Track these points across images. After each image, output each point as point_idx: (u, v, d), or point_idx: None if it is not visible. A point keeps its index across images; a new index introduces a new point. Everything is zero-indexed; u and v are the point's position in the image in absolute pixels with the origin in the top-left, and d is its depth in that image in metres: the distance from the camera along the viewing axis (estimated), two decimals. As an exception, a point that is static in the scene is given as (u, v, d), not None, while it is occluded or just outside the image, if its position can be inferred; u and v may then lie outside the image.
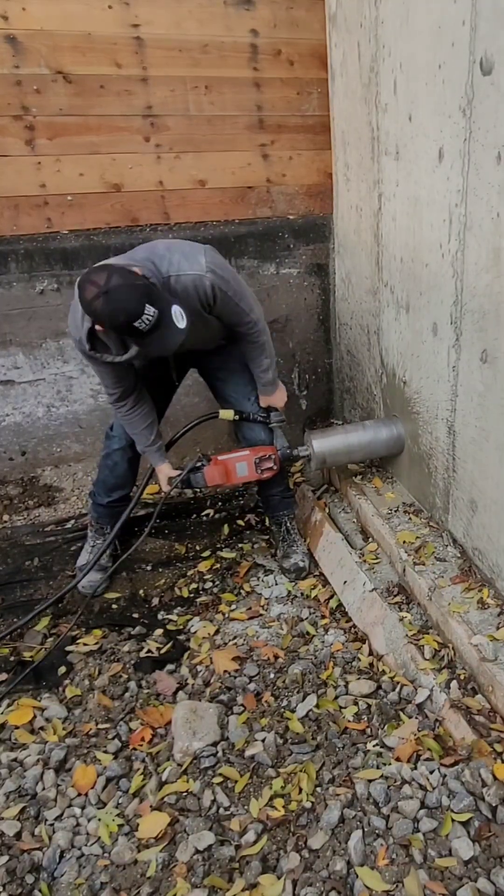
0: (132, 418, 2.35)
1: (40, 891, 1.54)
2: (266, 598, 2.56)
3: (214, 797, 1.74)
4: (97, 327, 1.93)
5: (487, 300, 1.90)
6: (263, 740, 1.88)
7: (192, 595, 2.62)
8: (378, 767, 1.77)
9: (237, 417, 2.54)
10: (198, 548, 2.89)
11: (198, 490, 2.47)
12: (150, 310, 1.81)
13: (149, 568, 2.78)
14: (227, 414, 2.53)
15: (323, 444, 2.64)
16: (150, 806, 1.73)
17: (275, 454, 2.51)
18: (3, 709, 2.06)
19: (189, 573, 2.73)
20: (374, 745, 1.85)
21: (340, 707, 2.00)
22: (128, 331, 1.85)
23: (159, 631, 2.40)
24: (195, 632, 2.39)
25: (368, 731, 1.91)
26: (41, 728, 2.00)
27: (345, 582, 2.49)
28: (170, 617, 2.50)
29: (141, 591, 2.65)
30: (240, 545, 2.90)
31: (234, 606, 2.53)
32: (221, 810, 1.71)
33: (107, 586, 2.64)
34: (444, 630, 2.10)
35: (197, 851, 1.60)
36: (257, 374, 2.50)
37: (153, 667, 2.22)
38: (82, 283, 1.86)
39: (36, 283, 2.79)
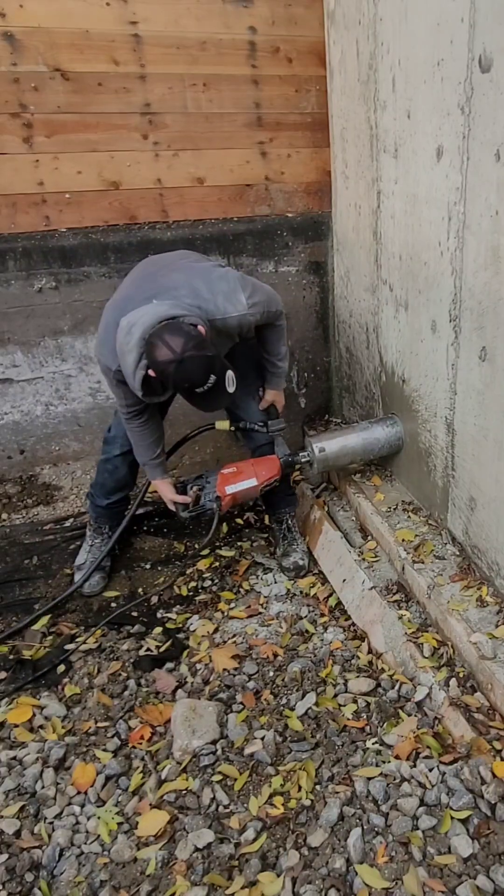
0: (143, 431, 2.35)
1: (40, 889, 1.55)
2: (265, 597, 2.56)
3: (214, 795, 1.74)
4: (151, 373, 2.02)
5: (486, 298, 1.90)
6: (263, 738, 1.88)
7: (191, 593, 2.62)
8: (377, 765, 1.77)
9: (233, 428, 2.54)
10: (197, 546, 2.89)
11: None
12: (211, 379, 1.97)
13: (148, 566, 2.78)
14: (223, 425, 2.54)
15: (324, 448, 2.63)
16: (150, 804, 1.73)
17: (279, 476, 2.52)
18: (2, 707, 2.06)
19: (188, 571, 2.73)
20: (373, 743, 1.85)
21: (340, 705, 2.00)
22: (186, 392, 2.00)
23: (158, 629, 2.40)
24: (194, 630, 2.39)
25: (368, 728, 1.91)
26: (40, 726, 2.00)
27: (344, 580, 2.49)
28: (169, 615, 2.50)
29: (140, 590, 2.65)
30: (239, 543, 2.90)
31: (233, 605, 2.53)
32: (221, 808, 1.71)
33: (105, 585, 2.64)
34: (444, 628, 2.10)
35: (196, 849, 1.60)
36: (273, 363, 2.50)
37: (152, 665, 2.22)
38: (155, 341, 1.94)
39: (34, 282, 2.78)
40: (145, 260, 2.38)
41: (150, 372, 2.01)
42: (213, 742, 1.89)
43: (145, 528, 2.98)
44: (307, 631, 2.35)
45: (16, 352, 2.85)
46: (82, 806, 1.75)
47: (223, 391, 2.02)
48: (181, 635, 2.38)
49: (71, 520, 3.02)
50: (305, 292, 3.25)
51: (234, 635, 2.35)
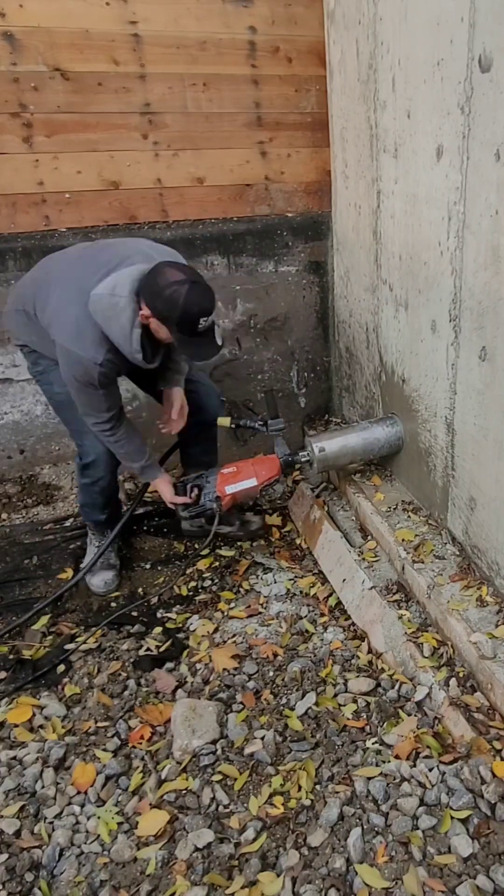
0: (128, 436, 2.32)
1: (40, 889, 1.55)
2: (265, 596, 2.56)
3: (214, 795, 1.74)
4: (150, 318, 1.97)
5: (486, 298, 1.90)
6: (263, 738, 1.88)
7: (191, 593, 2.62)
8: (377, 765, 1.77)
9: (234, 426, 2.53)
10: (196, 546, 2.89)
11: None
12: (213, 314, 1.98)
13: (148, 566, 2.78)
14: (224, 421, 2.54)
15: (324, 448, 2.63)
16: (150, 804, 1.73)
17: (279, 476, 2.53)
18: (2, 707, 2.06)
19: (188, 571, 2.73)
20: (373, 743, 1.85)
21: (339, 705, 2.00)
22: (189, 325, 1.95)
23: (158, 629, 2.40)
24: (194, 630, 2.39)
25: (367, 728, 1.91)
26: (40, 726, 1.99)
27: (344, 580, 2.49)
28: (169, 615, 2.50)
29: (140, 590, 2.65)
30: (239, 543, 2.89)
31: (233, 604, 2.53)
32: (221, 808, 1.71)
33: (118, 583, 2.64)
34: (443, 628, 2.10)
35: (196, 849, 1.60)
36: (176, 359, 2.43)
37: (152, 665, 2.22)
38: (164, 267, 1.94)
39: (34, 281, 2.78)
40: (47, 261, 2.28)
41: (149, 314, 1.95)
42: (213, 742, 1.89)
43: (145, 528, 2.98)
44: (307, 631, 2.35)
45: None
46: (82, 806, 1.75)
47: (214, 338, 2.02)
48: (181, 635, 2.38)
49: (71, 520, 3.02)
50: (305, 292, 3.25)
51: (234, 635, 2.35)
